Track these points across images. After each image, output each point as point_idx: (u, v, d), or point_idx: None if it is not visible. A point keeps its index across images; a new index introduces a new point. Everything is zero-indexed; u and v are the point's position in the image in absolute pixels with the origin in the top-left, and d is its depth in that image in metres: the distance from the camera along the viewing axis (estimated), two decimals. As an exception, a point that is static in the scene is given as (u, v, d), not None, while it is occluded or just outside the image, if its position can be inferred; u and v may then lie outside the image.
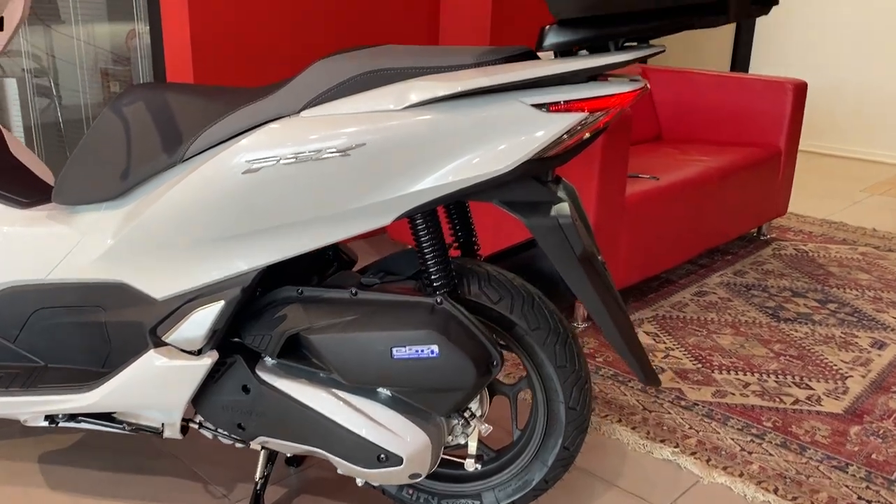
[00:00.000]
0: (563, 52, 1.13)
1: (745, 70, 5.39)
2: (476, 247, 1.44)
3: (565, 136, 1.12)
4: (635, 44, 1.14)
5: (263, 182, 1.14)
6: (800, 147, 5.19)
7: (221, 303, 1.22)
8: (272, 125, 1.14)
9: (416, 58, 1.15)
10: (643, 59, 1.14)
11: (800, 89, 3.05)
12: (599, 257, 1.29)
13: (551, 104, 1.11)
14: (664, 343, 2.27)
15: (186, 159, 1.21)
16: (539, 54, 1.18)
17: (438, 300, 1.20)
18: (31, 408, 1.32)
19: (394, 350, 1.16)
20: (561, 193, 1.23)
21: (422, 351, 1.16)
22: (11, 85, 2.86)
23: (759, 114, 3.11)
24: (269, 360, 1.29)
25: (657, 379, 1.29)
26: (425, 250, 1.23)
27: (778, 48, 5.21)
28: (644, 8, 1.04)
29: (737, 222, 2.91)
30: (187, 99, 1.24)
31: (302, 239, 1.19)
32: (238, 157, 1.14)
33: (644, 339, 2.28)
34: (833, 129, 5.04)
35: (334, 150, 1.12)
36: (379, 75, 1.14)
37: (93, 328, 1.31)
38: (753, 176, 2.91)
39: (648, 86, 1.21)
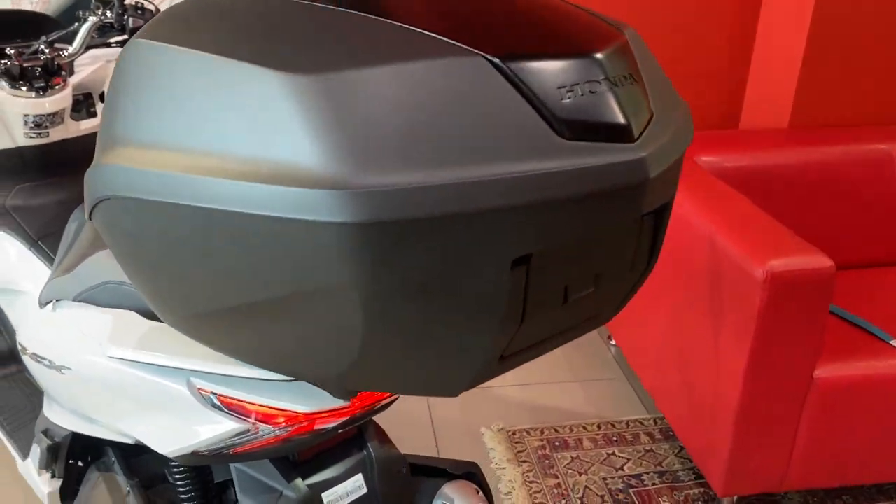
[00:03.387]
0: None
1: None
2: None
3: (234, 444, 0.83)
4: None
5: (28, 360, 1.09)
6: None
7: (39, 448, 1.24)
8: (34, 315, 1.07)
9: None
10: None
11: None
12: None
13: (221, 395, 0.82)
14: None
15: (39, 302, 1.21)
16: None
17: None
18: None
19: None
20: (311, 480, 0.92)
21: None
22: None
23: None
24: None
25: None
26: (178, 490, 1.06)
27: None
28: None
29: None
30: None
31: (83, 424, 1.11)
32: (17, 332, 1.12)
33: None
34: None
35: (57, 363, 1.01)
36: (116, 290, 0.97)
37: None
38: None
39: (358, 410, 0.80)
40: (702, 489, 1.84)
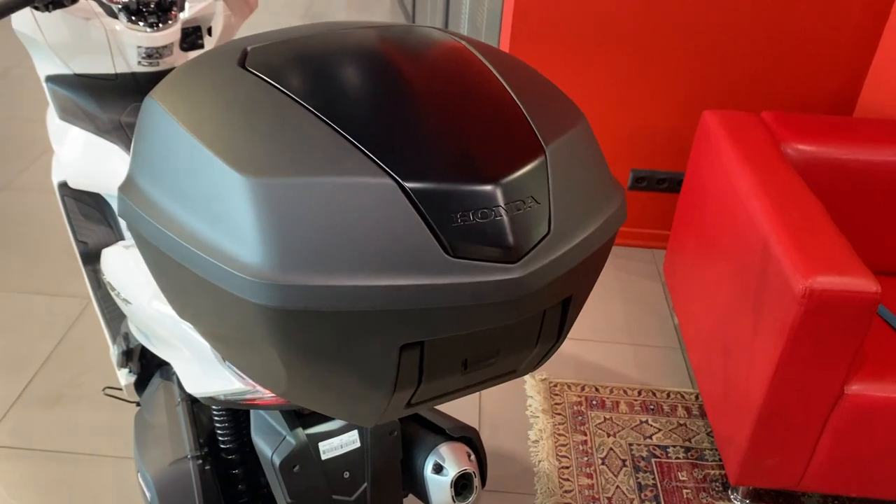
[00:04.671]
0: None
1: None
2: None
3: (241, 397, 0.98)
4: None
5: (106, 284, 1.29)
6: None
7: (117, 349, 1.46)
8: (114, 247, 1.25)
9: None
10: None
11: None
12: None
13: (235, 357, 0.98)
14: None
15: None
16: None
17: (195, 455, 1.22)
18: None
19: (139, 474, 1.26)
20: (311, 430, 1.08)
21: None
22: None
23: None
24: None
25: None
26: (213, 411, 1.24)
27: None
28: None
29: None
30: None
31: (147, 343, 1.30)
32: (101, 257, 1.31)
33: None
34: None
35: (122, 295, 1.19)
36: None
37: None
38: None
39: None
40: (722, 472, 1.91)
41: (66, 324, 2.24)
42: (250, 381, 0.97)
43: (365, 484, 1.13)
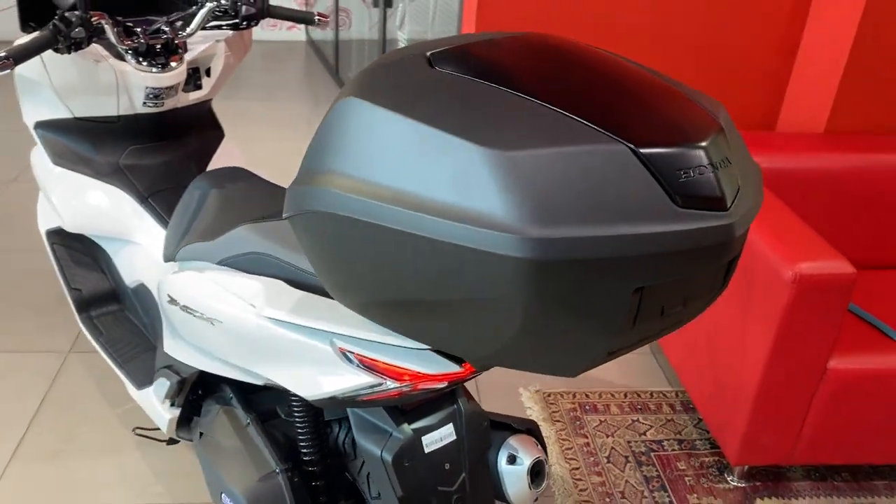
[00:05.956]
0: None
1: None
2: None
3: (364, 393, 1.04)
4: None
5: (176, 311, 1.30)
6: None
7: (167, 382, 1.46)
8: (186, 273, 1.28)
9: (300, 254, 1.15)
10: None
11: None
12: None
13: (358, 354, 1.03)
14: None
15: (175, 259, 1.42)
16: None
17: (282, 469, 1.25)
18: None
19: (223, 495, 1.27)
20: (414, 425, 1.14)
21: None
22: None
23: None
24: None
25: None
26: (297, 426, 1.27)
27: None
28: None
29: None
30: (230, 199, 1.43)
31: (214, 364, 1.32)
32: (166, 286, 1.32)
33: (786, 538, 1.85)
34: None
35: (208, 315, 1.22)
36: (260, 260, 1.17)
37: None
38: None
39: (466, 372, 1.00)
40: (716, 458, 2.06)
41: (47, 379, 2.16)
42: (379, 374, 1.02)
43: (463, 474, 1.19)
